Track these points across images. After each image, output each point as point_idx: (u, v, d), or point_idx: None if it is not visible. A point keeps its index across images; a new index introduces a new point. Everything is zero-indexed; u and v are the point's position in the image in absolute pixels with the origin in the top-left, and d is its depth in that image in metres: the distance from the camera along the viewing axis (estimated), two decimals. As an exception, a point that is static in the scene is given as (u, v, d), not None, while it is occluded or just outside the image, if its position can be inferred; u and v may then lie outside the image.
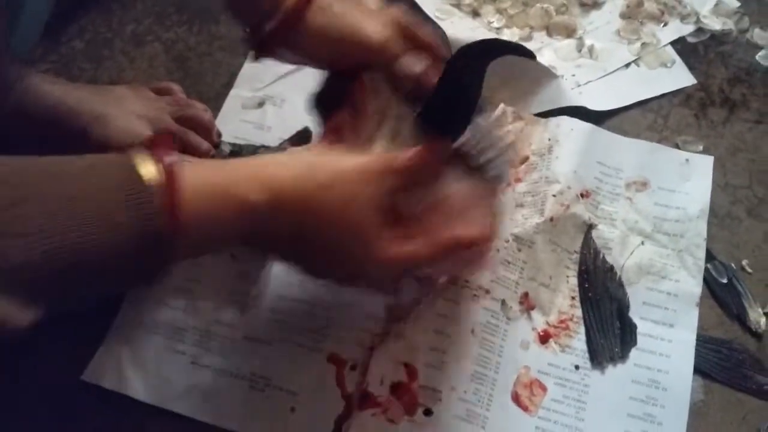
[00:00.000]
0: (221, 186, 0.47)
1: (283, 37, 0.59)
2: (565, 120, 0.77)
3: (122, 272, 0.45)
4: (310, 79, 0.82)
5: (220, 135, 0.78)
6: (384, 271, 0.54)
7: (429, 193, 0.56)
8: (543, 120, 0.78)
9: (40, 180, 0.42)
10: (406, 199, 0.54)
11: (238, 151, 0.77)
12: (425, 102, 0.58)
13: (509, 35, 0.87)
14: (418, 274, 0.63)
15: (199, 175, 0.47)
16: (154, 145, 0.45)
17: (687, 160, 0.77)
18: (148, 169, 0.44)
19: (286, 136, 0.79)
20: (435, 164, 0.55)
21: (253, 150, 0.77)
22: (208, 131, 0.76)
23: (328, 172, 0.51)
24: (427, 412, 0.62)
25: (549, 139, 0.75)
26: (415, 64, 0.59)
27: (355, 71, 0.59)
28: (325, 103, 0.62)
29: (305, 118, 0.80)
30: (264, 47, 0.61)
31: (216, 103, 0.82)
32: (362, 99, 0.58)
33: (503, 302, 0.67)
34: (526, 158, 0.76)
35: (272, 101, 0.83)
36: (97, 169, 0.44)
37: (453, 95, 0.56)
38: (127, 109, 0.71)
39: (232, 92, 0.84)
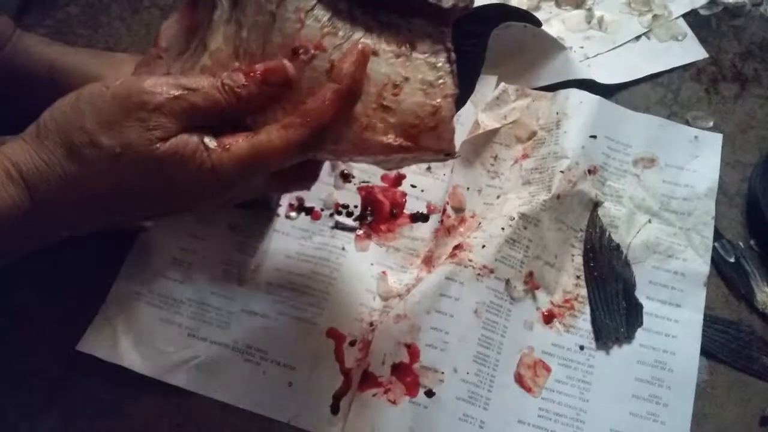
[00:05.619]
0: None
1: None
2: (573, 92, 0.75)
3: None
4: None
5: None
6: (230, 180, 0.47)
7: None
8: (550, 94, 0.76)
9: None
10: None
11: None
12: None
13: (517, 4, 0.85)
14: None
15: None
16: None
17: (696, 137, 0.76)
18: None
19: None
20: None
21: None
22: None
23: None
24: (429, 393, 0.61)
25: (557, 113, 0.73)
26: None
27: None
28: None
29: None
30: None
31: (214, 70, 0.80)
32: None
33: (507, 282, 0.66)
34: (534, 133, 0.74)
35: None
36: None
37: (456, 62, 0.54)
38: (125, 75, 0.69)
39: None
